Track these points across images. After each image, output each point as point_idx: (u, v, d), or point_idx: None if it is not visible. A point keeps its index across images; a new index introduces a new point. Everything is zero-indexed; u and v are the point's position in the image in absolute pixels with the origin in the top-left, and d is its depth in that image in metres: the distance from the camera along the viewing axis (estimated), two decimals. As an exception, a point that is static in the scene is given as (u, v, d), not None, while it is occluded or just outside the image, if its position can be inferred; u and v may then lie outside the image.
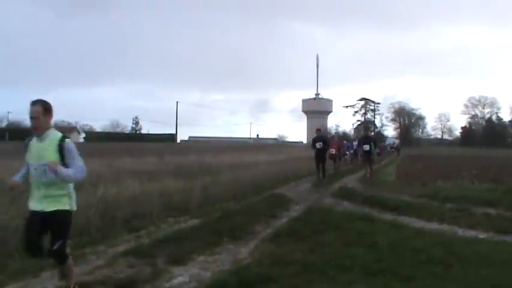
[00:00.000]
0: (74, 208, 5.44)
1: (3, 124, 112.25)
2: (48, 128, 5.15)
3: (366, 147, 21.42)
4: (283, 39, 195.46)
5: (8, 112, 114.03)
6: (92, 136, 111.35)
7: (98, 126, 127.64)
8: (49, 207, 5.11)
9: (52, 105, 5.20)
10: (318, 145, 20.29)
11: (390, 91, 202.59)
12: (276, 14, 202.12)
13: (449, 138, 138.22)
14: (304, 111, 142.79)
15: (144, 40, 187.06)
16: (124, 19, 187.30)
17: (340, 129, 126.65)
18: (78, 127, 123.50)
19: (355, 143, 34.42)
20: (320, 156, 20.50)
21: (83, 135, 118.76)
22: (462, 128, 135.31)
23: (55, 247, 5.11)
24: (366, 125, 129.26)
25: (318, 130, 22.50)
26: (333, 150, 24.52)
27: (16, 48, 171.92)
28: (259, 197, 13.84)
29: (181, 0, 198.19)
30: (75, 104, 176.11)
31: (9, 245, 7.06)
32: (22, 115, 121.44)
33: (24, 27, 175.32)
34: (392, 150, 67.18)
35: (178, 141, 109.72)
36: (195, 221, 9.91)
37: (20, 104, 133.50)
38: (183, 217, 10.41)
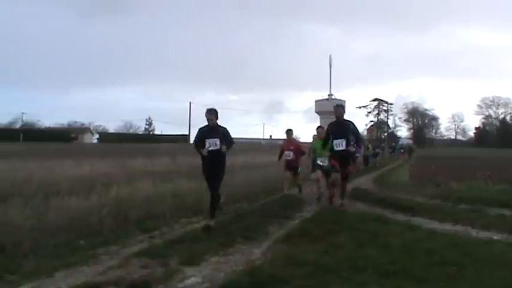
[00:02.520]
0: None
1: (18, 125, 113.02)
2: None
3: (340, 143, 11.72)
4: (297, 40, 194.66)
5: (23, 113, 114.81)
6: (105, 137, 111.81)
7: (112, 127, 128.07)
8: None
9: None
10: (211, 144, 9.77)
11: (404, 92, 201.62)
12: (289, 15, 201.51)
13: (462, 139, 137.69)
14: (317, 112, 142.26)
15: (158, 42, 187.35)
16: (138, 21, 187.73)
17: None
18: (91, 128, 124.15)
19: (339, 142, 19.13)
20: (213, 165, 9.82)
21: (96, 136, 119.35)
22: (476, 128, 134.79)
23: None
24: (379, 125, 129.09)
25: (210, 112, 9.93)
26: (289, 154, 14.93)
27: (31, 49, 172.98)
28: (272, 198, 13.84)
29: (195, 2, 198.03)
30: (89, 105, 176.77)
31: (24, 245, 7.12)
32: (36, 116, 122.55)
33: (39, 28, 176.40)
34: (402, 151, 64.32)
35: (191, 141, 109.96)
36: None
37: (34, 105, 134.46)
38: (196, 218, 10.44)
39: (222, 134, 9.93)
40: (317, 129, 14.75)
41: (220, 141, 9.75)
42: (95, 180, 13.91)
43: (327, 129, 12.51)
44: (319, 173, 13.91)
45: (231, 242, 7.94)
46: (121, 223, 9.20)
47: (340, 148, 11.69)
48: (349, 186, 17.28)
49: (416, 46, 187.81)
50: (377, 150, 40.48)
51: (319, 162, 13.81)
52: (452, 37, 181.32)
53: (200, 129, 10.20)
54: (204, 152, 9.75)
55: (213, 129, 9.90)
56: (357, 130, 12.34)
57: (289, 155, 14.93)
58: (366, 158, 31.72)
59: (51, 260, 6.67)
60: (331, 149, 12.03)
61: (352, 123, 12.17)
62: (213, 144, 9.77)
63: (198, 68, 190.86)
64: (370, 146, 35.55)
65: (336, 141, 11.80)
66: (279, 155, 15.77)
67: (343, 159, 11.77)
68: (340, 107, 12.43)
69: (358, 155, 23.83)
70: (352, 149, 11.86)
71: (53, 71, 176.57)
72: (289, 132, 15.66)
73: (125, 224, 9.21)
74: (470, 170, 25.42)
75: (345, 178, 12.17)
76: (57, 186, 12.26)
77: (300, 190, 15.18)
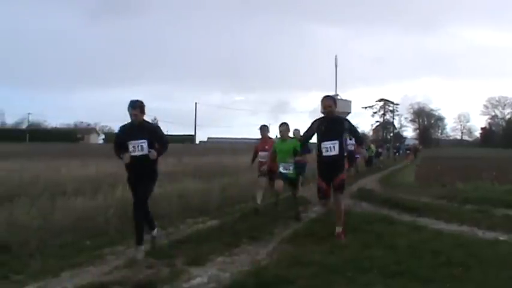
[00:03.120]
0: None
1: (24, 125, 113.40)
2: None
3: (331, 146, 8.48)
4: (303, 40, 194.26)
5: (29, 113, 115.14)
6: (111, 137, 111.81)
7: (118, 127, 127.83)
8: None
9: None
10: (135, 148, 7.45)
11: (410, 92, 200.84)
12: (295, 15, 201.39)
13: (468, 139, 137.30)
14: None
15: (164, 42, 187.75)
16: (144, 22, 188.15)
17: (359, 130, 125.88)
18: (97, 128, 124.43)
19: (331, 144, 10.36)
20: (139, 175, 7.55)
21: (102, 136, 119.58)
22: (482, 128, 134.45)
23: None
24: (385, 126, 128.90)
25: (134, 105, 7.48)
26: (265, 156, 11.84)
27: (37, 50, 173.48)
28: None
29: (201, 2, 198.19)
30: (95, 105, 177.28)
31: (30, 245, 7.16)
32: (42, 116, 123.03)
33: (45, 28, 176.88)
34: (408, 151, 62.82)
35: (197, 142, 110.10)
36: (213, 222, 9.94)
37: (40, 106, 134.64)
38: (201, 218, 10.45)
39: (151, 134, 7.57)
40: (280, 127, 10.94)
41: (148, 144, 7.42)
42: (101, 180, 13.94)
43: (310, 126, 8.97)
44: (279, 183, 10.59)
45: (236, 242, 7.96)
46: (127, 223, 9.21)
47: (332, 153, 8.43)
48: (355, 186, 17.35)
49: (422, 46, 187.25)
50: (379, 150, 39.12)
51: (281, 169, 10.59)
52: (458, 37, 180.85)
53: (121, 127, 7.91)
54: (126, 160, 7.35)
55: (138, 128, 7.50)
56: (355, 128, 9.25)
57: (264, 157, 11.78)
58: (368, 159, 30.71)
59: (57, 260, 6.70)
60: (319, 153, 8.69)
61: (348, 121, 8.88)
62: (138, 148, 7.39)
63: (203, 68, 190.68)
64: (372, 146, 34.38)
65: (325, 144, 8.51)
66: (252, 158, 12.78)
67: (333, 168, 8.50)
68: (330, 98, 8.98)
69: (358, 156, 23.44)
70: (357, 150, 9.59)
71: (59, 72, 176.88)
72: (264, 128, 12.44)
73: (130, 224, 9.22)
74: (476, 170, 25.38)
75: (340, 189, 8.57)
76: (64, 187, 12.30)
77: (277, 203, 11.61)
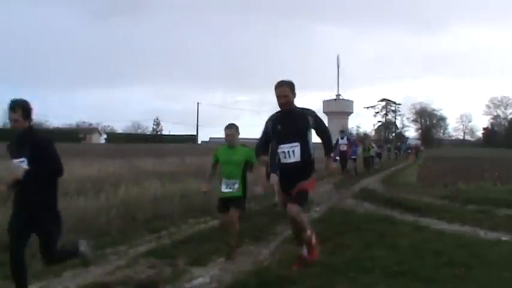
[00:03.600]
0: None
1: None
2: None
3: (289, 151, 6.23)
4: (305, 40, 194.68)
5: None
6: (113, 137, 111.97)
7: (120, 127, 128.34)
8: None
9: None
10: (16, 169, 4.89)
11: (412, 92, 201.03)
12: (298, 15, 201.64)
13: (471, 139, 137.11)
14: (325, 112, 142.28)
15: (166, 42, 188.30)
16: (147, 22, 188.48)
17: (361, 130, 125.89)
18: (99, 128, 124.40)
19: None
20: (24, 209, 5.02)
21: (104, 136, 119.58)
22: (484, 128, 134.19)
23: None
24: (387, 126, 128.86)
25: (13, 106, 4.92)
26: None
27: (40, 49, 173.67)
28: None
29: (204, 2, 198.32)
30: (97, 105, 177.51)
31: (33, 245, 7.15)
32: (44, 116, 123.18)
33: (48, 28, 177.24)
34: (409, 151, 61.60)
35: (199, 142, 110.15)
36: (215, 222, 9.92)
37: (42, 106, 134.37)
38: (203, 218, 10.44)
39: (34, 149, 4.93)
40: (226, 129, 7.48)
41: (29, 164, 4.90)
42: (103, 180, 13.95)
43: (264, 128, 6.59)
44: (233, 215, 7.27)
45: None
46: (129, 223, 9.23)
47: (291, 160, 6.24)
48: (357, 186, 17.34)
49: (424, 46, 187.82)
50: (378, 151, 36.86)
51: (223, 188, 7.59)
52: (460, 37, 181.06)
53: (10, 138, 5.40)
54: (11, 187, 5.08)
55: (20, 139, 5.09)
56: (323, 125, 6.61)
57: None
58: (367, 160, 28.44)
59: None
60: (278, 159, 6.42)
61: (313, 114, 6.49)
62: (17, 170, 4.92)
63: (206, 68, 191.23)
64: (372, 145, 32.38)
65: (282, 148, 6.29)
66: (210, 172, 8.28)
67: (296, 177, 6.26)
68: (284, 84, 6.39)
69: (354, 156, 23.23)
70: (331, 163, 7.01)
71: (61, 71, 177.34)
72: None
73: (132, 224, 9.25)
74: (479, 170, 25.37)
75: (298, 199, 6.25)
76: (65, 187, 12.28)
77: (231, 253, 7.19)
